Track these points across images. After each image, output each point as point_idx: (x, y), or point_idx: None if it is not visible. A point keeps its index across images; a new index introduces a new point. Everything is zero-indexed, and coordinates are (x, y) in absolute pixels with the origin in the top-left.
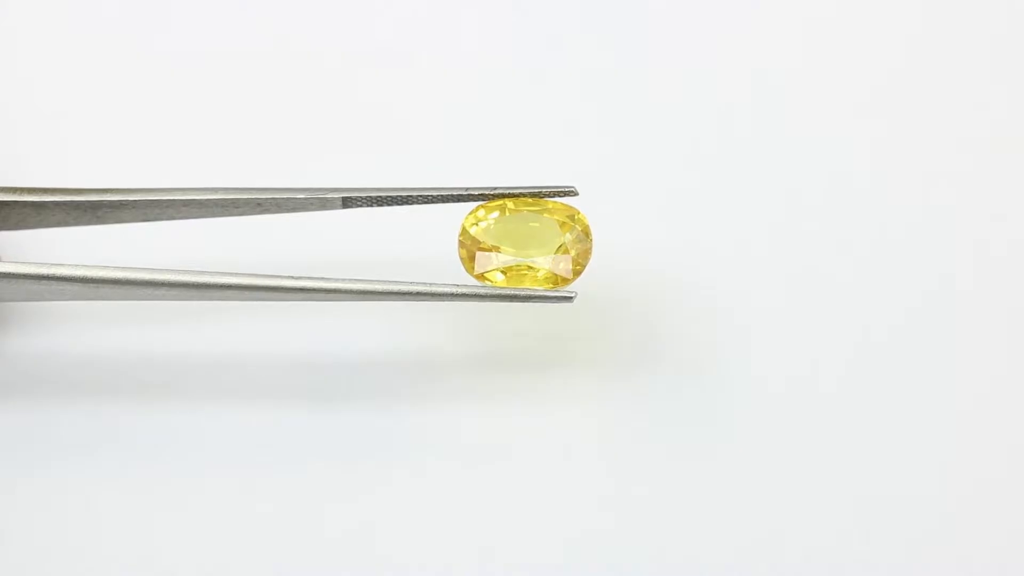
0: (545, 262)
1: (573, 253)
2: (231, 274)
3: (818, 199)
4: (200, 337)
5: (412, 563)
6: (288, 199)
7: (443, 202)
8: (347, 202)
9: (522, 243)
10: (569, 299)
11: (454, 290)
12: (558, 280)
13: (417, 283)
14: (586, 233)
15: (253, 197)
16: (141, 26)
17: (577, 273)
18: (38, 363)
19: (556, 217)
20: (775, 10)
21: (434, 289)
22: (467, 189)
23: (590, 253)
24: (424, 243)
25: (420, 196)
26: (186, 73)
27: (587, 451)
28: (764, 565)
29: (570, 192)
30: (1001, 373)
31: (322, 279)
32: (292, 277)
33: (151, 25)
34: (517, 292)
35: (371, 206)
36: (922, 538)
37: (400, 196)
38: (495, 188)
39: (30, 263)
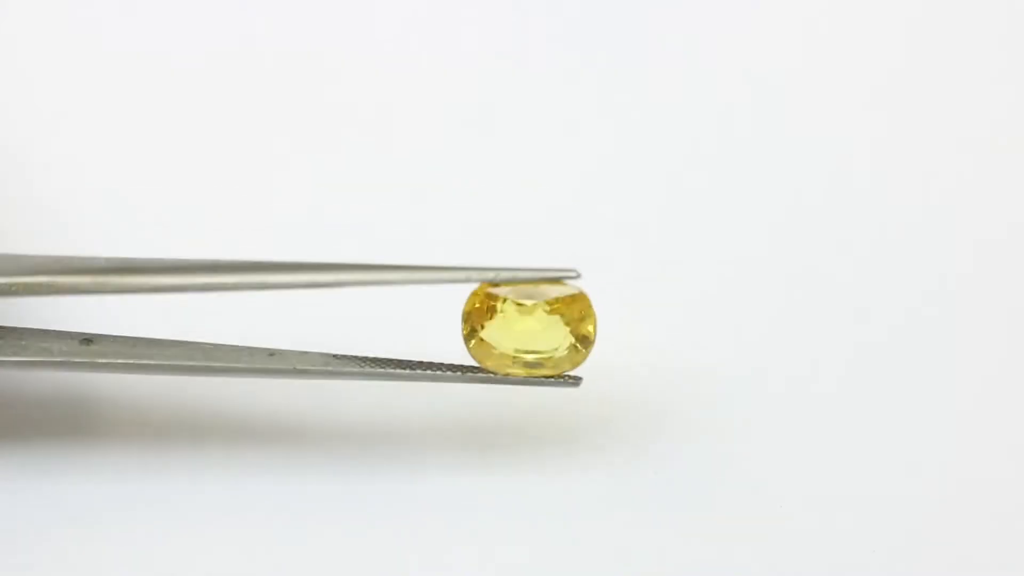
0: (549, 351)
1: (579, 344)
2: (245, 351)
3: (818, 199)
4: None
5: None
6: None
7: (439, 284)
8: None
9: (526, 340)
10: (575, 384)
11: (461, 374)
12: (565, 365)
13: (422, 364)
14: (590, 319)
15: (257, 281)
16: (141, 27)
17: (584, 357)
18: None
19: (560, 310)
20: (775, 10)
21: (440, 374)
22: (466, 273)
23: (594, 337)
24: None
25: (417, 279)
26: (185, 74)
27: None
28: (764, 565)
29: (571, 276)
30: (1001, 373)
31: (331, 357)
32: (319, 356)
33: (151, 26)
34: (525, 379)
35: (370, 286)
36: (922, 538)
37: (398, 278)
38: (497, 269)
39: (30, 349)
